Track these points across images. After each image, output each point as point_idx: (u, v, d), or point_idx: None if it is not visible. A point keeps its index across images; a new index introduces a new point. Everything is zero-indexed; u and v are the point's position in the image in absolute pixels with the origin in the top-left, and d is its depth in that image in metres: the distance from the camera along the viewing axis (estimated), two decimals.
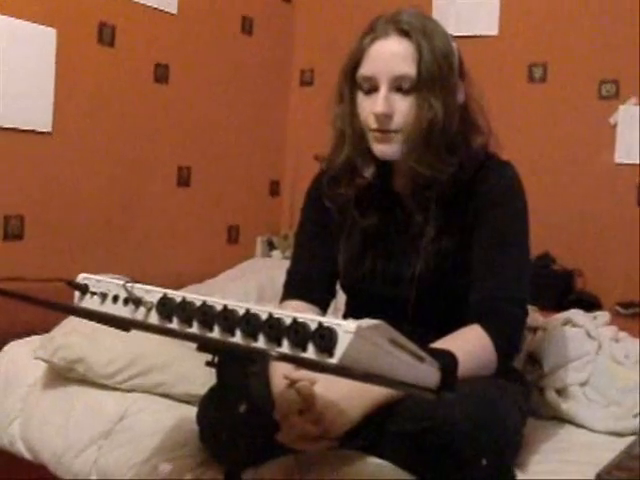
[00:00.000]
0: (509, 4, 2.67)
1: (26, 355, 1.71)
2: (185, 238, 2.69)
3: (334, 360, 0.75)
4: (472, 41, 2.62)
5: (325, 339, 0.75)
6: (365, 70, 1.27)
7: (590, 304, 2.21)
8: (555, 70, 2.59)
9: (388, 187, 1.39)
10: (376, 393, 1.11)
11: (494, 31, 2.69)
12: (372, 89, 1.27)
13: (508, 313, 1.25)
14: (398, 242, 1.37)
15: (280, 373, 1.17)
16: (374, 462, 1.17)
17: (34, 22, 2.12)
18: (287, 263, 1.51)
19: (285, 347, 0.78)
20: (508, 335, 1.24)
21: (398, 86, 1.25)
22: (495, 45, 2.68)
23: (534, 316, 1.73)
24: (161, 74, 2.55)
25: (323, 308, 1.44)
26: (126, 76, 2.42)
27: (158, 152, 2.57)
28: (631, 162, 2.43)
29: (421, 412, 1.08)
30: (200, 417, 1.30)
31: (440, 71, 1.25)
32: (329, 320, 0.77)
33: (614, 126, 2.47)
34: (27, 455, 1.60)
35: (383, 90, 1.25)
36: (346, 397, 1.10)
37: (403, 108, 1.25)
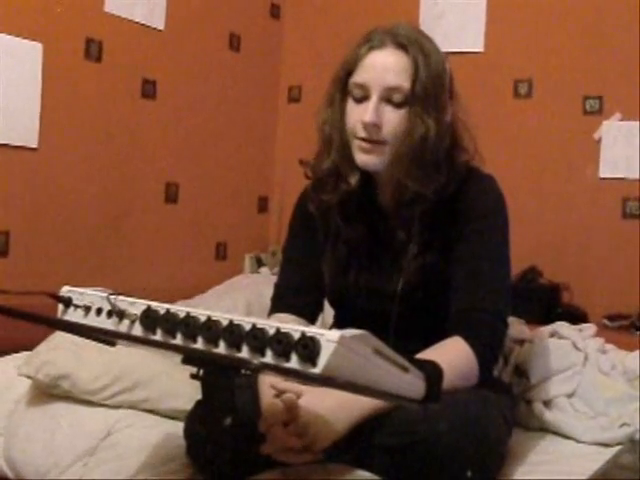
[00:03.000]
0: (495, 21, 2.70)
1: (10, 372, 1.69)
2: (173, 255, 2.68)
3: (317, 370, 0.75)
4: (458, 57, 2.62)
5: (308, 349, 0.75)
6: (358, 78, 1.28)
7: (577, 317, 2.21)
8: (540, 86, 2.62)
9: (372, 200, 1.39)
10: (363, 405, 1.10)
11: (480, 47, 2.72)
12: (363, 98, 1.28)
13: (489, 325, 1.25)
14: (381, 256, 1.37)
15: (268, 383, 1.16)
16: (362, 475, 1.16)
17: (20, 37, 2.12)
18: (275, 279, 1.51)
19: (268, 357, 0.78)
20: (489, 347, 1.25)
21: (389, 97, 1.26)
22: (481, 61, 2.70)
23: (521, 329, 1.73)
24: (148, 90, 2.55)
25: (311, 321, 1.45)
26: (113, 92, 2.43)
27: (146, 168, 2.57)
28: (615, 176, 2.45)
29: (404, 427, 1.08)
30: (187, 431, 1.29)
31: (434, 88, 1.25)
32: (312, 330, 0.77)
33: (598, 141, 2.49)
34: (10, 474, 1.57)
35: (374, 100, 1.26)
36: (331, 410, 1.09)
37: (393, 120, 1.26)
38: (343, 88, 1.31)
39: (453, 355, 1.19)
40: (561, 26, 2.58)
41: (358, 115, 1.27)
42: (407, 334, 1.31)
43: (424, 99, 1.24)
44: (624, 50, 2.43)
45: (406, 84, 1.24)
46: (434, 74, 1.26)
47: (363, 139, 1.28)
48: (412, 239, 1.31)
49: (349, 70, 1.30)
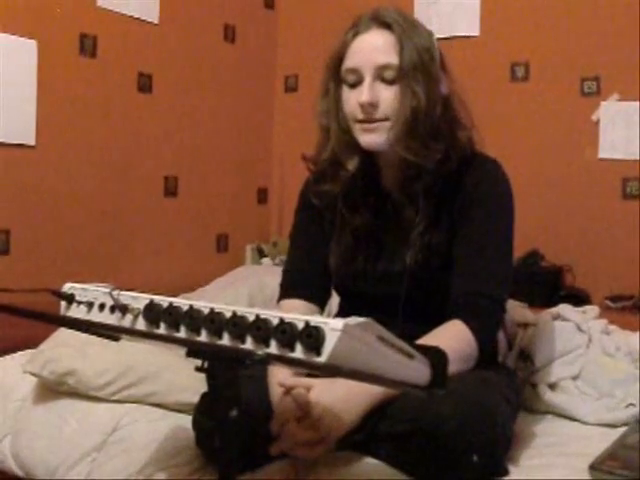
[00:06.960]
0: (489, 4, 2.68)
1: (15, 370, 1.69)
2: (174, 248, 2.68)
3: (322, 359, 0.75)
4: (454, 42, 2.63)
5: (312, 338, 0.75)
6: (349, 63, 1.31)
7: (580, 299, 2.22)
8: (537, 69, 2.61)
9: (377, 185, 1.40)
10: (373, 393, 1.11)
11: (475, 32, 2.71)
12: (357, 82, 1.30)
13: (488, 310, 1.27)
14: (388, 238, 1.38)
15: (277, 381, 1.17)
16: (370, 463, 1.17)
17: (14, 34, 2.11)
18: (277, 270, 1.52)
19: (273, 348, 0.78)
20: (487, 331, 1.27)
21: (382, 76, 1.29)
22: (477, 45, 2.69)
23: (524, 312, 1.73)
24: (144, 84, 2.55)
25: (320, 306, 1.46)
26: (109, 87, 2.42)
27: (144, 162, 2.57)
28: (615, 157, 2.45)
29: (409, 413, 1.09)
30: (195, 423, 1.29)
31: (421, 60, 1.28)
32: (316, 319, 0.77)
33: (597, 122, 2.49)
34: (19, 472, 1.58)
35: (368, 80, 1.28)
36: (342, 400, 1.10)
37: (388, 97, 1.28)
38: (336, 77, 1.34)
39: (455, 339, 1.21)
40: (556, 8, 2.56)
41: (355, 99, 1.30)
42: (416, 315, 1.31)
43: (413, 72, 1.27)
44: (620, 31, 2.42)
45: (395, 60, 1.27)
46: (420, 47, 1.29)
47: (363, 121, 1.30)
48: (418, 216, 1.32)
49: (339, 58, 1.33)
